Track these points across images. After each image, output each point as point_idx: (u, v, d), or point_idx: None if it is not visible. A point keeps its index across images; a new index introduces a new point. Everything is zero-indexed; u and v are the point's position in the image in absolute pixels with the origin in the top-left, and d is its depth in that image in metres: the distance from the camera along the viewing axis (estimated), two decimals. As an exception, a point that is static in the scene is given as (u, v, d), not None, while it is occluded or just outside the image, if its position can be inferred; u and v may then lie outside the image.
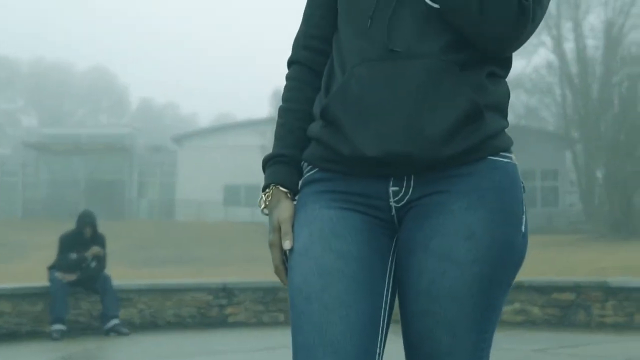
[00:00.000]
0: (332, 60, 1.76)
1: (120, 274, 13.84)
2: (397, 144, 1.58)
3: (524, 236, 1.65)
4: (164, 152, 43.08)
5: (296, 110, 1.79)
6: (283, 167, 1.75)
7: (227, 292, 9.33)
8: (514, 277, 1.66)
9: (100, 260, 8.65)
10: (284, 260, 1.70)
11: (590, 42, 31.28)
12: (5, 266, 19.77)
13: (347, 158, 1.64)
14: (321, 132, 1.69)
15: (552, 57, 32.04)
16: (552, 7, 30.45)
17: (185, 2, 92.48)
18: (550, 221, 30.97)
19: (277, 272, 1.73)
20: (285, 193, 1.73)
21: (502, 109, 1.68)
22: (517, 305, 8.76)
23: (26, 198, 39.02)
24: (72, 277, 8.43)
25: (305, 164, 1.75)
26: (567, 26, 31.28)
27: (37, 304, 8.53)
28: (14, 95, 68.86)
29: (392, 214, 1.66)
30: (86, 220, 8.76)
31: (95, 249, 8.61)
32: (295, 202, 1.73)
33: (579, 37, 30.69)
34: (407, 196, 1.64)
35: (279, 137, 1.79)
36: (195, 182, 37.28)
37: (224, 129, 42.22)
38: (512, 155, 1.68)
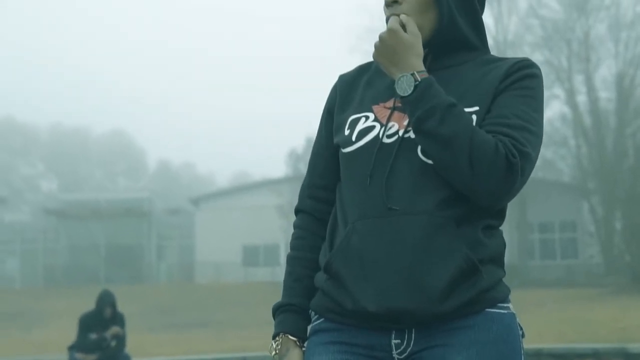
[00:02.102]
0: (335, 211, 1.86)
1: (141, 339, 13.82)
2: (397, 301, 1.66)
3: (523, 384, 1.73)
4: (181, 214, 43.23)
5: (303, 258, 1.90)
6: (291, 315, 1.85)
7: (246, 366, 9.34)
8: None
9: (120, 339, 8.68)
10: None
11: (603, 94, 31.48)
12: (26, 335, 19.84)
13: (350, 312, 1.73)
14: (326, 284, 1.78)
15: (565, 109, 32.24)
16: (563, 61, 30.74)
17: (202, 64, 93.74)
18: (570, 273, 30.72)
19: None
20: (294, 341, 1.83)
21: (498, 260, 1.76)
22: (537, 373, 8.71)
23: (47, 265, 39.20)
24: (92, 357, 8.47)
25: (313, 312, 1.84)
26: (579, 79, 31.53)
27: (59, 385, 8.58)
28: (33, 161, 69.63)
29: (396, 365, 1.74)
30: (106, 300, 8.81)
31: (115, 329, 8.65)
32: (304, 349, 1.82)
33: (591, 89, 30.90)
34: (409, 348, 1.72)
35: (287, 286, 1.89)
36: (214, 243, 37.34)
37: (240, 189, 42.36)
38: (510, 305, 1.76)
